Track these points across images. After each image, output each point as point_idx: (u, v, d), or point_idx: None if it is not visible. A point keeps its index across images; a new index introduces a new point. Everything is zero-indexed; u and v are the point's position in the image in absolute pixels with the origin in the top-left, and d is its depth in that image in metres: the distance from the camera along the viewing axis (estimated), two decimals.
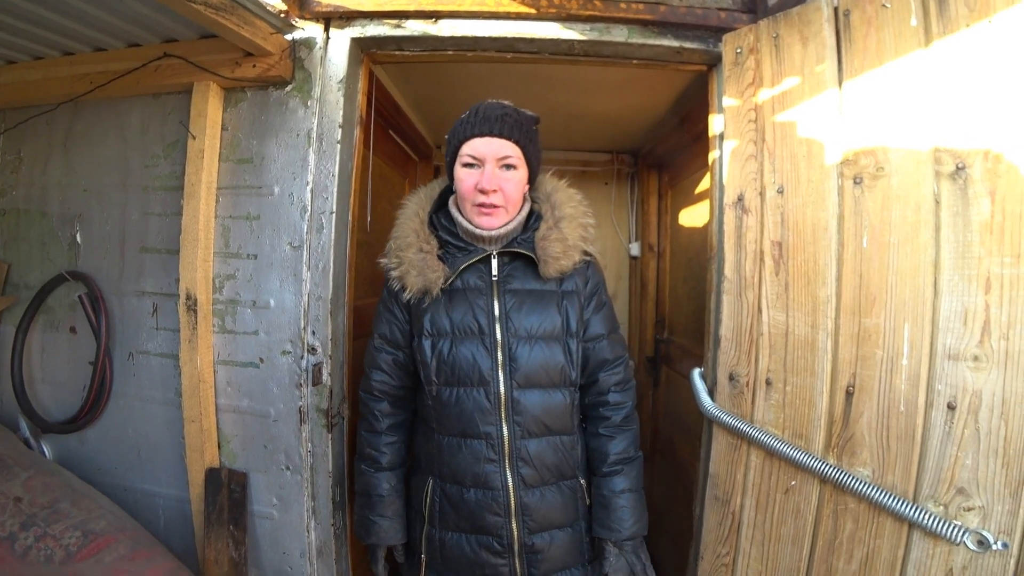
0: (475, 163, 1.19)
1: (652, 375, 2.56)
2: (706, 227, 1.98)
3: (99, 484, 1.57)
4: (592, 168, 2.78)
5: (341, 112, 1.43)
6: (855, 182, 1.17)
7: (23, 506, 1.35)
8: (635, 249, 2.77)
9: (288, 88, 1.45)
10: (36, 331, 1.71)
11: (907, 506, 1.09)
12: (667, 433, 2.36)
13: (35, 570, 1.23)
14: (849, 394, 1.17)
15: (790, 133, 1.27)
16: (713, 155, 1.51)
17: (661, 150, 2.47)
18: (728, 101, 1.38)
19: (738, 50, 1.38)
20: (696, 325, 2.14)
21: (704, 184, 2.07)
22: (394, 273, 1.24)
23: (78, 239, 1.66)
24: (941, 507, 1.07)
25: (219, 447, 1.50)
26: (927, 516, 1.06)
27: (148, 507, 1.59)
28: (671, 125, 2.25)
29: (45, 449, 1.70)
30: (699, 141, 2.07)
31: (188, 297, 1.44)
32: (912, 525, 1.11)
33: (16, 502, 1.36)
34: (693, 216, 2.21)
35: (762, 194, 1.30)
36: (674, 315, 2.49)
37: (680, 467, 2.20)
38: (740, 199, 1.34)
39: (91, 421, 1.62)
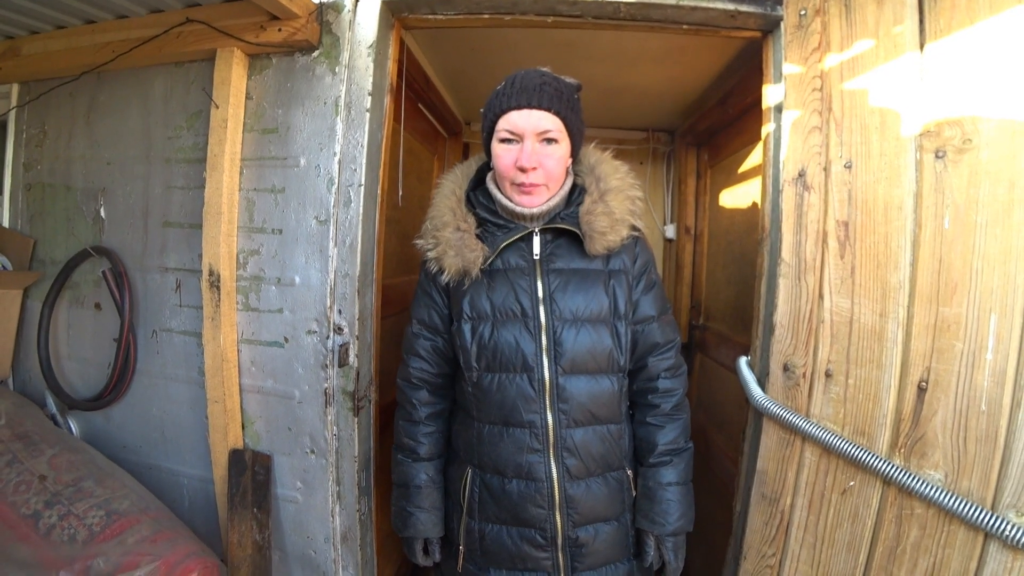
0: (513, 138, 1.09)
1: (686, 362, 2.46)
2: (753, 207, 1.88)
3: (124, 462, 1.56)
4: (627, 146, 2.66)
5: (371, 79, 1.35)
6: (937, 156, 1.05)
7: (48, 484, 1.33)
8: (670, 231, 2.66)
9: (315, 54, 1.37)
10: (62, 307, 1.69)
11: (985, 515, 0.99)
12: (699, 422, 2.26)
13: (58, 549, 1.20)
14: (921, 390, 1.06)
15: (861, 102, 1.15)
16: (767, 128, 1.39)
17: (701, 127, 2.34)
18: (789, 68, 1.26)
19: (802, 12, 1.26)
20: (736, 311, 2.04)
21: (750, 163, 1.95)
22: (431, 254, 1.17)
23: (102, 213, 1.63)
24: None
25: (243, 428, 1.46)
26: (1008, 526, 0.96)
27: (172, 486, 1.57)
28: (713, 100, 2.12)
29: (72, 426, 1.68)
30: (744, 117, 1.95)
31: (211, 273, 1.39)
32: (988, 536, 1.01)
33: (41, 480, 1.34)
34: (736, 197, 2.08)
35: (827, 169, 1.19)
36: (711, 300, 2.38)
37: (712, 458, 2.11)
38: (801, 175, 1.22)
39: (116, 399, 1.60)
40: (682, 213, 2.60)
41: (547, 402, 1.11)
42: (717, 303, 2.28)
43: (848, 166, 1.16)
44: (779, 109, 1.32)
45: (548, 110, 1.07)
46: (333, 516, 1.43)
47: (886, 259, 1.10)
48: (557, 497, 1.12)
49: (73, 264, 1.64)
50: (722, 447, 2.03)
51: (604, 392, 1.14)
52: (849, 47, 1.18)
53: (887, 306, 1.10)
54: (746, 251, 1.93)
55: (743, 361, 1.39)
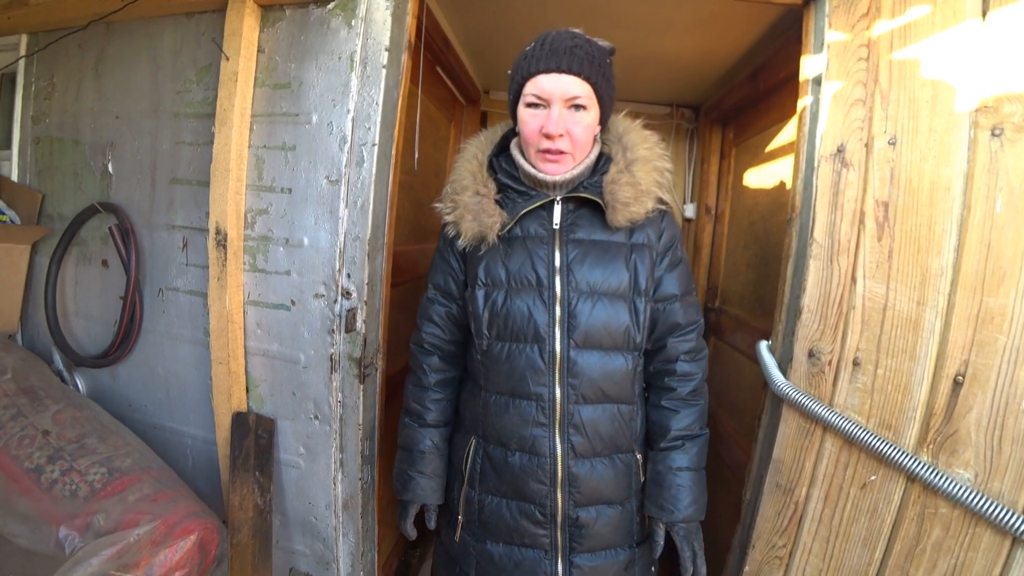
0: (540, 103, 1.04)
1: None
2: (780, 188, 1.80)
3: (129, 420, 1.55)
4: (650, 121, 2.54)
5: (388, 34, 1.28)
6: (993, 134, 0.97)
7: (51, 439, 1.32)
8: (690, 211, 2.57)
9: (331, 6, 1.30)
10: (69, 263, 1.67)
11: (1016, 518, 0.94)
12: (710, 407, 2.21)
13: (60, 504, 1.20)
14: (957, 384, 1.00)
15: (911, 73, 1.07)
16: (804, 101, 1.30)
17: (728, 103, 2.24)
18: (833, 36, 1.18)
19: None
20: (755, 295, 1.97)
21: (778, 142, 1.86)
22: (448, 218, 1.14)
23: (110, 169, 1.59)
24: None
25: (247, 391, 1.44)
26: None
27: (176, 446, 1.56)
28: (743, 74, 2.02)
29: (79, 383, 1.68)
30: (776, 92, 1.86)
31: (218, 232, 1.35)
32: (1016, 540, 0.96)
33: (45, 435, 1.33)
34: (762, 177, 2.00)
35: (868, 145, 1.11)
36: (728, 283, 2.31)
37: (721, 444, 2.07)
38: (840, 151, 1.14)
39: (121, 357, 1.58)
40: (703, 192, 2.51)
41: (556, 375, 1.07)
42: (735, 286, 2.21)
43: (892, 142, 1.08)
44: (818, 81, 1.24)
45: (578, 75, 1.02)
46: (335, 483, 1.42)
47: (928, 243, 1.03)
48: (559, 474, 1.10)
49: (81, 220, 1.62)
50: (732, 433, 1.99)
51: (617, 370, 1.09)
52: (902, 13, 1.09)
53: (926, 293, 1.03)
54: (770, 233, 1.85)
55: (763, 345, 1.34)
